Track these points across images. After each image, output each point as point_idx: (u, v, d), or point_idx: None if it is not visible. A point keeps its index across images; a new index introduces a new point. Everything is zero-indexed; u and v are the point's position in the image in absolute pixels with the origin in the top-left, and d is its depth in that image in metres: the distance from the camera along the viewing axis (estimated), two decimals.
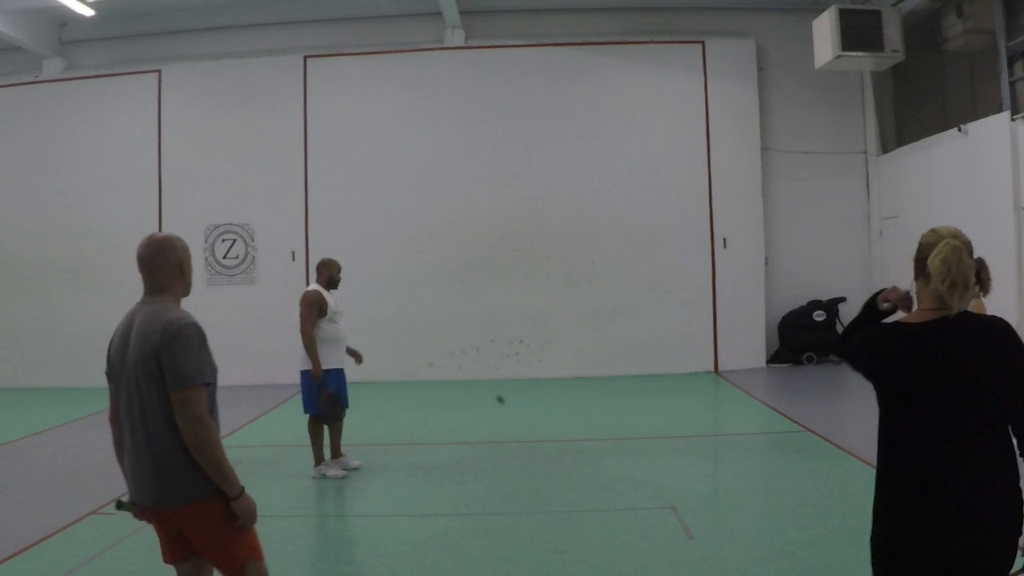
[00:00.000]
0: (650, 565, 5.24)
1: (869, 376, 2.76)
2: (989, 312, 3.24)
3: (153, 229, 15.51)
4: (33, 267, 13.89)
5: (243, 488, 3.11)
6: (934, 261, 2.63)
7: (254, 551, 3.23)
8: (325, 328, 7.31)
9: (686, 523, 5.94)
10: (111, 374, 3.24)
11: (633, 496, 6.68)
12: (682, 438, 8.94)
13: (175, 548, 3.22)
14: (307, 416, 7.44)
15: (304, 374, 7.34)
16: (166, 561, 3.29)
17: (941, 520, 2.50)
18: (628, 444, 8.66)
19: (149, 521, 3.23)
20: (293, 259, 13.58)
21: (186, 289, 3.33)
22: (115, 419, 3.24)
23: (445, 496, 6.97)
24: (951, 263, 2.63)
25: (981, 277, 6.17)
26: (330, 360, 7.32)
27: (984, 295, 5.33)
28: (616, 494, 6.76)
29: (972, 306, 6.75)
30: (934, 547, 2.50)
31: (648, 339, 13.34)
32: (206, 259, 13.71)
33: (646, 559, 5.33)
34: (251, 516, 3.14)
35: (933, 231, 2.75)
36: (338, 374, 7.48)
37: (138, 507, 3.18)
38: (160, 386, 3.01)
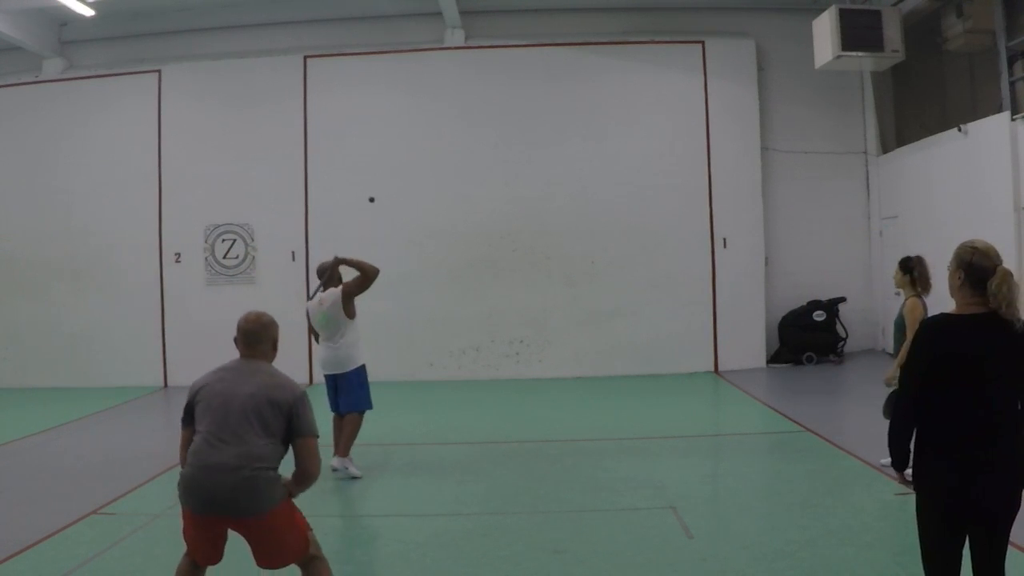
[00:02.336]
0: (650, 565, 5.24)
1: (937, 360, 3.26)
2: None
3: (153, 229, 15.61)
4: (33, 267, 13.88)
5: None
6: (1000, 287, 3.22)
7: (308, 527, 4.06)
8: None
9: (686, 523, 5.94)
10: (207, 404, 3.92)
11: (633, 496, 6.68)
12: (682, 438, 8.94)
13: (219, 551, 3.95)
14: (357, 413, 7.55)
15: (359, 371, 7.53)
16: (206, 563, 3.97)
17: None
18: (628, 444, 8.65)
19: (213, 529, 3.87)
20: (293, 259, 13.58)
21: (274, 357, 4.27)
22: (190, 441, 3.95)
23: (445, 496, 6.97)
24: (1011, 290, 3.23)
25: (917, 273, 6.29)
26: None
27: (925, 294, 5.48)
28: (616, 494, 6.76)
29: (908, 305, 6.79)
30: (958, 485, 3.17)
31: (648, 339, 13.34)
32: (206, 259, 13.71)
33: (646, 559, 5.33)
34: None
35: (982, 252, 3.32)
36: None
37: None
38: (276, 425, 3.88)
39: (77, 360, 13.71)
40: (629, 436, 9.05)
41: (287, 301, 13.46)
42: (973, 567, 3.30)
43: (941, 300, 3.77)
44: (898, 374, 6.42)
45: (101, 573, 5.29)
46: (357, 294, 7.54)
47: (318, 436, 4.02)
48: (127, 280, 13.76)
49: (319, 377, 13.76)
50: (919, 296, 6.77)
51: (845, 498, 6.49)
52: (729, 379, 12.60)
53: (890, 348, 13.53)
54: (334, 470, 7.37)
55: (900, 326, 6.79)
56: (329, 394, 7.72)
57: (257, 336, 4.16)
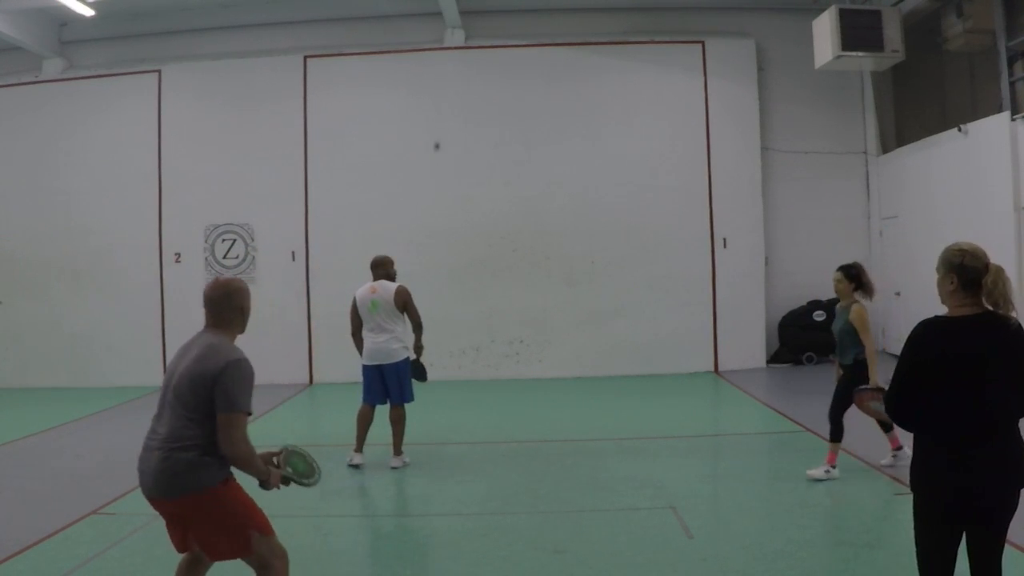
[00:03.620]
0: (650, 565, 5.24)
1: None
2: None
3: (153, 229, 15.60)
4: (33, 267, 13.89)
5: (268, 470, 3.86)
6: (993, 288, 3.27)
7: (263, 527, 3.77)
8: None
9: (686, 523, 5.94)
10: (162, 388, 3.82)
11: (633, 496, 6.68)
12: (682, 438, 8.93)
13: (178, 537, 3.78)
14: (397, 406, 7.73)
15: (406, 362, 7.73)
16: (178, 549, 3.85)
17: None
18: (628, 444, 8.65)
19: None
20: (293, 259, 13.59)
21: (243, 327, 3.94)
22: None
23: (445, 496, 6.97)
24: (1006, 293, 3.28)
25: (862, 280, 6.36)
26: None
27: (869, 299, 5.53)
28: (616, 494, 6.76)
29: (855, 312, 6.86)
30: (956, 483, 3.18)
31: (648, 339, 13.34)
32: (206, 259, 13.71)
33: (646, 559, 5.33)
34: (275, 483, 3.92)
35: (972, 255, 3.33)
36: None
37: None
38: (199, 401, 3.61)
39: (77, 360, 13.72)
40: (629, 436, 9.05)
41: (287, 301, 13.53)
42: (971, 567, 3.30)
43: (929, 302, 3.73)
44: (877, 377, 6.46)
45: (101, 573, 5.29)
46: (407, 307, 7.76)
47: (245, 413, 3.64)
48: (127, 280, 13.76)
49: (319, 377, 13.80)
50: (860, 301, 6.84)
51: (845, 498, 6.49)
52: (729, 379, 12.60)
53: (890, 348, 13.54)
54: (394, 467, 7.62)
55: (849, 333, 6.79)
56: (367, 386, 7.78)
57: (219, 303, 3.85)
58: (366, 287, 7.85)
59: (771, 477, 7.55)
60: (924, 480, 3.30)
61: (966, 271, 3.29)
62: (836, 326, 6.97)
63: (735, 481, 7.26)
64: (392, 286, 7.77)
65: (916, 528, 3.37)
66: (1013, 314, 3.25)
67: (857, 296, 6.88)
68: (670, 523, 5.98)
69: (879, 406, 4.10)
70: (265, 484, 3.86)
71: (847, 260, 13.78)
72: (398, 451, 7.79)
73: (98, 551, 5.63)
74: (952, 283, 3.31)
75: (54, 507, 6.68)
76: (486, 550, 5.56)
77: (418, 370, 8.00)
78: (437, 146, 11.25)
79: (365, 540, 6.16)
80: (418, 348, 7.93)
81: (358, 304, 7.80)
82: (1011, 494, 3.23)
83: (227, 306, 3.84)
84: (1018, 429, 3.25)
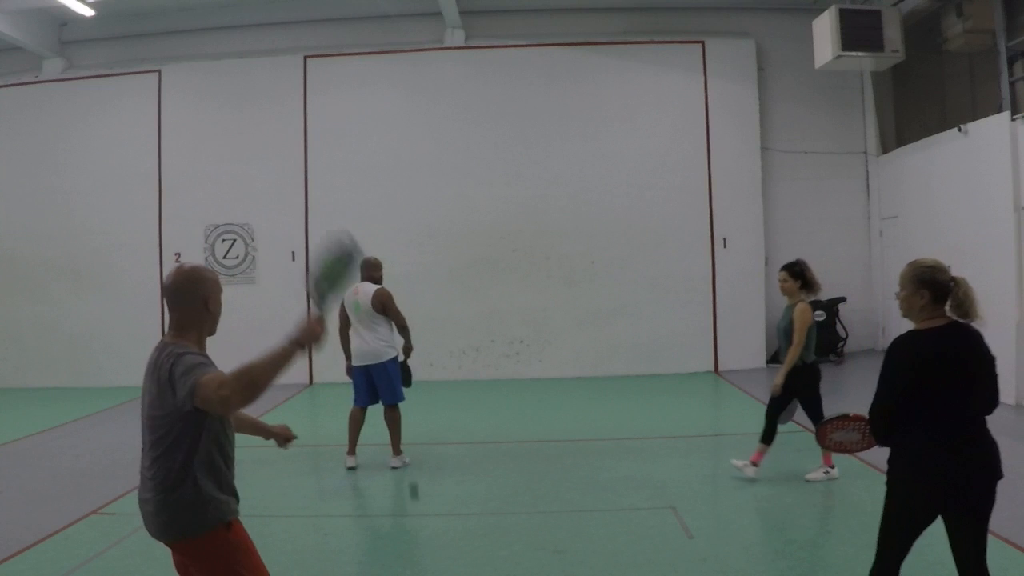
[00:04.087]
0: (650, 565, 5.24)
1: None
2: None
3: (153, 229, 15.64)
4: (33, 267, 13.89)
5: (294, 338, 2.95)
6: (964, 302, 3.54)
7: None
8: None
9: (686, 523, 5.94)
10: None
11: (633, 496, 6.69)
12: (682, 438, 8.93)
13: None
14: (390, 407, 7.74)
15: (394, 362, 7.74)
16: None
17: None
18: (628, 444, 8.65)
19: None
20: (293, 259, 13.58)
21: (211, 327, 3.23)
22: None
23: (445, 496, 6.97)
24: (974, 304, 3.55)
25: (807, 278, 6.45)
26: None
27: (815, 295, 5.52)
28: (616, 494, 6.76)
29: (798, 309, 6.93)
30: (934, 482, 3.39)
31: (648, 339, 13.34)
32: (206, 259, 13.71)
33: (646, 559, 5.33)
34: (318, 334, 3.02)
35: (939, 268, 3.62)
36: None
37: None
38: (173, 414, 2.99)
39: (77, 360, 13.72)
40: (629, 436, 9.05)
41: (287, 301, 13.49)
42: (958, 558, 3.53)
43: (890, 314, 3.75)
44: (783, 381, 6.46)
45: (101, 573, 5.29)
46: (386, 309, 7.75)
47: (201, 370, 2.95)
48: (127, 280, 13.76)
49: (319, 377, 13.80)
50: (806, 300, 6.84)
51: (845, 498, 6.49)
52: (729, 379, 12.60)
53: None
54: (394, 467, 7.64)
55: (787, 331, 6.80)
56: (357, 388, 7.81)
57: (178, 297, 3.17)
58: (350, 289, 7.85)
59: (771, 477, 7.54)
60: (913, 475, 3.45)
61: (937, 285, 3.54)
62: (781, 324, 6.96)
63: (735, 481, 7.25)
64: (372, 288, 7.76)
65: (890, 516, 3.53)
66: (977, 322, 3.51)
67: (803, 295, 6.89)
68: (670, 523, 5.98)
69: (844, 436, 4.16)
70: (303, 342, 2.98)
71: (847, 260, 14.01)
72: (397, 451, 7.81)
73: (98, 551, 5.63)
74: (923, 298, 3.54)
75: (54, 507, 6.68)
76: (486, 550, 5.56)
77: (404, 373, 8.00)
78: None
79: (365, 540, 6.16)
80: (406, 349, 7.94)
81: (345, 305, 7.84)
82: (993, 486, 3.46)
83: (187, 300, 3.15)
84: (987, 426, 3.51)
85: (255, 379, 2.82)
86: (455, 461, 8.03)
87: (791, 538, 5.55)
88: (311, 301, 3.20)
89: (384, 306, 7.71)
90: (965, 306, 3.51)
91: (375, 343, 7.70)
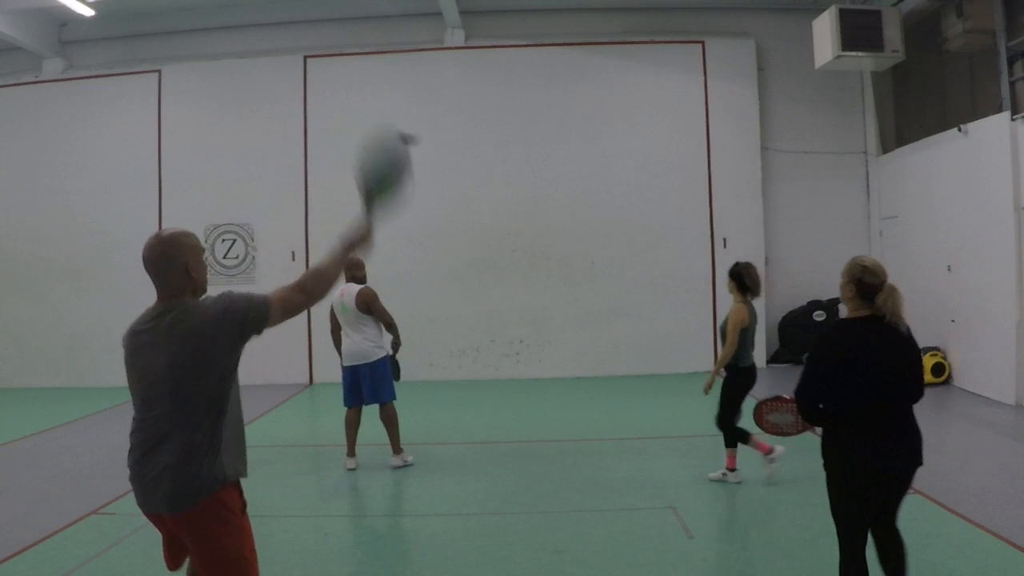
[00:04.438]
0: (650, 565, 5.24)
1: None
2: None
3: (153, 229, 15.58)
4: (33, 267, 13.89)
5: (348, 241, 3.35)
6: (885, 303, 3.81)
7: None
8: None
9: (686, 523, 5.94)
10: (128, 373, 3.25)
11: (633, 496, 6.69)
12: (682, 438, 8.93)
13: (176, 553, 3.27)
14: (383, 405, 7.74)
15: (383, 362, 7.71)
16: (169, 567, 3.34)
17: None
18: (628, 444, 8.65)
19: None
20: (293, 259, 13.58)
21: (196, 290, 3.21)
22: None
23: (445, 496, 6.97)
24: (897, 305, 3.82)
25: (746, 283, 6.55)
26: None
27: (754, 298, 6.33)
28: (616, 494, 6.76)
29: (732, 310, 7.02)
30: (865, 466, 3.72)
31: (648, 339, 13.34)
32: (206, 259, 13.68)
33: (646, 559, 5.33)
34: (367, 238, 3.38)
35: (870, 270, 3.88)
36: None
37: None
38: (200, 383, 3.01)
39: (77, 360, 13.71)
40: (629, 436, 9.05)
41: None
42: (878, 524, 3.89)
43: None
44: (711, 382, 6.44)
45: (101, 573, 5.29)
46: (371, 309, 7.74)
47: (281, 289, 3.16)
48: (127, 280, 13.68)
49: (319, 377, 13.81)
50: (746, 302, 6.86)
51: None
52: None
53: None
54: (394, 467, 7.66)
55: (722, 331, 6.87)
56: (345, 388, 7.82)
57: (156, 265, 3.14)
58: (336, 290, 7.86)
59: (771, 477, 7.55)
60: (845, 463, 3.78)
61: (864, 285, 3.87)
62: (720, 324, 7.03)
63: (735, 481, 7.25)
64: (355, 288, 7.78)
65: (835, 499, 3.84)
66: (902, 323, 3.80)
67: (743, 297, 6.91)
68: (670, 523, 5.99)
69: (779, 418, 4.35)
70: (355, 244, 3.34)
71: (847, 260, 13.96)
72: (397, 450, 7.81)
73: (98, 551, 5.63)
74: (851, 291, 3.91)
75: (54, 507, 6.68)
76: (486, 550, 5.56)
77: (393, 367, 8.00)
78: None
79: (365, 540, 6.16)
80: (395, 344, 7.93)
81: (333, 306, 7.89)
82: (913, 472, 3.84)
83: (168, 267, 3.10)
84: (913, 414, 3.83)
85: (326, 273, 3.18)
86: (455, 461, 8.03)
87: (791, 538, 5.55)
88: (361, 204, 3.35)
89: (368, 306, 7.69)
90: (885, 310, 3.81)
91: (363, 344, 7.69)
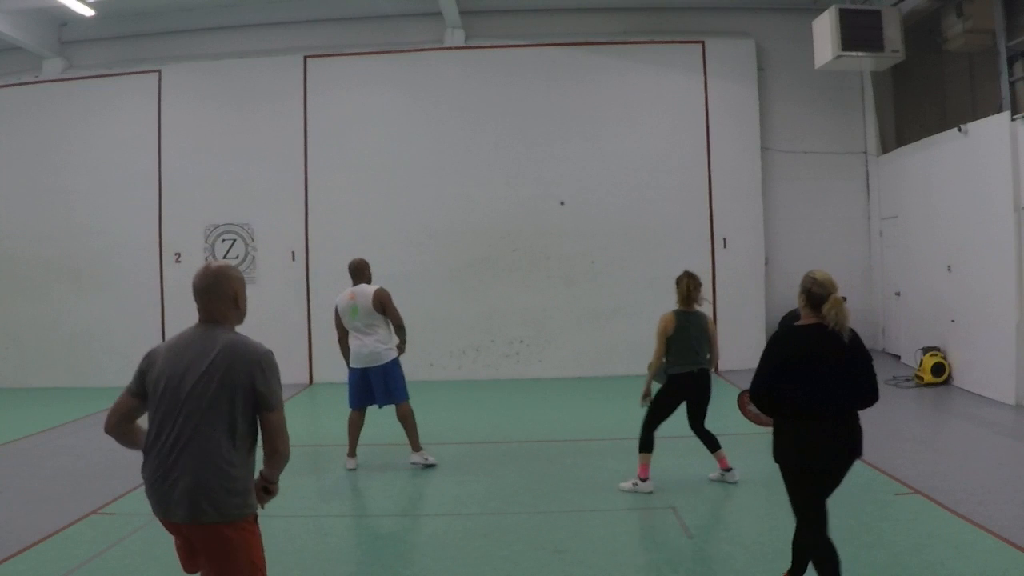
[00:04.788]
0: (650, 565, 5.24)
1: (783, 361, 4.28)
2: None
3: (153, 229, 15.61)
4: (33, 267, 13.89)
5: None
6: (829, 313, 4.30)
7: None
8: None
9: (686, 523, 5.94)
10: (155, 387, 3.29)
11: (633, 496, 6.69)
12: (682, 438, 8.90)
13: (193, 557, 3.38)
14: (400, 404, 7.75)
15: (395, 363, 7.72)
16: (187, 570, 3.46)
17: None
18: (628, 444, 8.60)
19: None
20: (293, 259, 13.58)
21: (240, 319, 3.48)
22: (123, 423, 3.37)
23: (445, 496, 6.97)
24: (841, 315, 4.32)
25: (678, 290, 6.59)
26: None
27: (687, 307, 6.70)
28: (616, 494, 6.76)
29: (659, 319, 7.03)
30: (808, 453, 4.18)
31: (648, 339, 13.13)
32: (206, 259, 13.70)
33: (646, 559, 5.34)
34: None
35: (819, 282, 4.40)
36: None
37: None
38: (244, 404, 3.24)
39: (77, 360, 13.72)
40: (629, 436, 8.99)
41: (287, 301, 13.53)
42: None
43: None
44: (648, 389, 6.78)
45: (101, 573, 5.30)
46: (385, 309, 7.73)
47: (282, 407, 3.37)
48: (127, 280, 13.76)
49: (319, 377, 13.80)
50: (677, 311, 6.90)
51: (845, 498, 6.48)
52: (729, 379, 12.59)
53: (890, 348, 13.55)
54: (413, 464, 7.68)
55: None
56: (352, 390, 7.79)
57: (208, 293, 3.38)
58: (345, 293, 7.85)
59: (771, 477, 7.52)
60: (795, 454, 4.20)
61: (812, 296, 4.37)
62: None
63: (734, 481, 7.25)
64: (371, 289, 7.76)
65: (790, 489, 4.28)
66: (845, 332, 4.27)
67: (682, 306, 6.96)
68: (670, 523, 5.99)
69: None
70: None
71: (847, 260, 14.01)
72: (416, 447, 7.81)
73: (98, 551, 5.63)
74: (803, 301, 4.41)
75: (54, 507, 6.68)
76: (486, 550, 5.56)
77: None
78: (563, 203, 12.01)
79: (365, 540, 6.16)
80: (399, 347, 7.90)
81: (339, 312, 7.82)
82: (851, 462, 4.24)
83: (217, 295, 3.37)
84: (857, 413, 4.26)
85: (286, 461, 3.39)
86: (455, 461, 8.02)
87: (791, 538, 5.54)
88: None
89: (384, 305, 7.69)
90: (828, 320, 4.28)
91: (375, 346, 7.68)
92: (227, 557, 3.21)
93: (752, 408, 5.59)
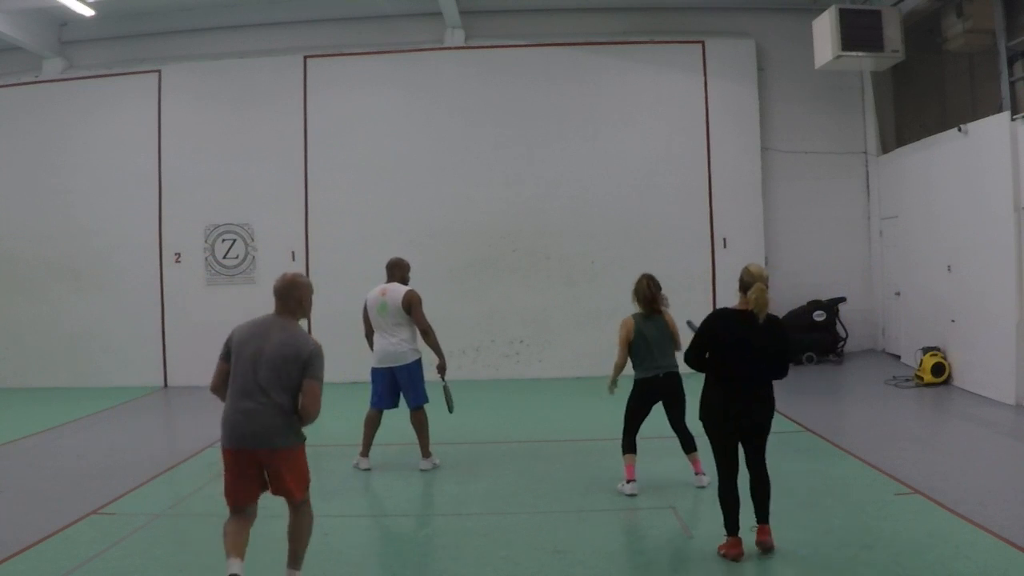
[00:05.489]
0: (650, 565, 5.24)
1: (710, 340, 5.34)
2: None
3: (153, 229, 15.61)
4: (33, 267, 13.89)
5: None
6: (751, 297, 5.23)
7: (309, 480, 4.89)
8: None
9: (686, 523, 5.94)
10: (238, 352, 4.66)
11: (633, 496, 6.68)
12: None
13: (251, 488, 4.68)
14: (415, 409, 7.76)
15: (417, 364, 7.70)
16: (236, 502, 4.68)
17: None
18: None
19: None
20: (293, 259, 13.58)
21: (303, 315, 4.92)
22: (223, 385, 4.71)
23: (445, 496, 6.97)
24: (760, 299, 5.23)
25: (652, 298, 7.33)
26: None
27: (667, 307, 7.22)
28: (616, 494, 6.76)
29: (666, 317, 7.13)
30: (720, 412, 5.28)
31: None
32: (206, 259, 13.71)
33: (646, 559, 5.34)
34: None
35: (749, 273, 5.38)
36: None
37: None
38: (298, 374, 4.59)
39: (77, 360, 13.71)
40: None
41: None
42: (749, 462, 5.37)
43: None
44: (612, 386, 7.25)
45: (101, 573, 5.30)
46: (412, 311, 7.72)
47: (321, 383, 4.66)
48: (127, 280, 13.76)
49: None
50: (635, 315, 6.89)
51: (845, 498, 6.50)
52: None
53: (890, 348, 13.56)
54: (423, 470, 7.63)
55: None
56: (377, 390, 7.74)
57: (281, 294, 4.83)
58: (377, 289, 7.85)
59: (771, 477, 7.54)
60: (720, 409, 5.24)
61: (743, 283, 5.33)
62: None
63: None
64: (402, 289, 7.77)
65: (713, 441, 5.33)
66: (763, 315, 5.19)
67: (642, 309, 6.95)
68: (670, 523, 5.99)
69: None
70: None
71: (847, 260, 14.01)
72: (426, 453, 7.79)
73: (98, 551, 5.63)
74: (740, 289, 5.33)
75: (54, 507, 6.68)
76: (486, 550, 5.56)
77: (446, 395, 7.89)
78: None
79: (365, 540, 6.16)
80: (441, 368, 7.83)
81: (368, 307, 7.78)
82: (769, 418, 5.31)
83: (289, 297, 4.81)
84: (771, 384, 5.28)
85: (315, 417, 4.67)
86: (455, 461, 8.03)
87: (791, 538, 5.55)
88: None
89: (411, 307, 7.67)
90: (750, 304, 5.20)
91: (400, 345, 7.66)
92: (292, 469, 4.69)
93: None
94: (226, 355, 4.71)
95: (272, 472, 4.65)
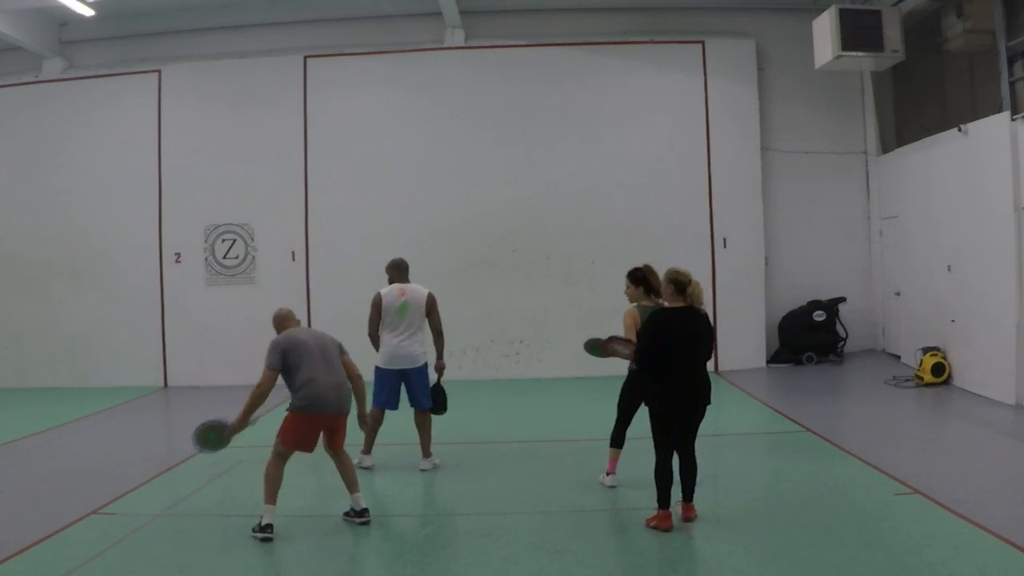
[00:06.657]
0: (650, 565, 5.24)
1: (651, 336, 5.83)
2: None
3: (153, 229, 15.59)
4: (33, 267, 13.89)
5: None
6: (693, 293, 5.87)
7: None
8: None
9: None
10: (305, 351, 6.15)
11: (633, 496, 6.68)
12: None
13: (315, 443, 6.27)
14: (422, 410, 7.77)
15: (426, 367, 7.73)
16: (310, 450, 6.31)
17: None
18: (628, 444, 8.58)
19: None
20: (293, 259, 13.58)
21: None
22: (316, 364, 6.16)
23: (445, 496, 6.97)
24: (700, 295, 5.93)
25: (650, 282, 7.57)
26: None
27: (659, 299, 6.87)
28: (616, 494, 6.76)
29: (624, 314, 7.28)
30: (675, 401, 5.82)
31: None
32: (206, 259, 13.71)
33: (646, 559, 5.33)
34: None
35: (680, 273, 5.95)
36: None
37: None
38: (339, 354, 6.27)
39: (77, 360, 13.72)
40: (629, 436, 8.98)
41: (287, 301, 13.40)
42: (680, 443, 5.88)
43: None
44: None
45: (101, 573, 5.30)
46: (431, 313, 7.80)
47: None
48: (127, 280, 13.76)
49: None
50: (641, 304, 6.84)
51: (845, 498, 6.49)
52: (729, 379, 12.59)
53: (890, 348, 13.56)
54: (423, 470, 7.63)
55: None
56: (385, 390, 7.68)
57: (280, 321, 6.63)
58: (394, 288, 7.81)
59: (771, 477, 7.55)
60: (663, 398, 5.78)
61: (678, 284, 5.84)
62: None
63: (735, 481, 7.26)
64: (423, 290, 7.81)
65: (654, 425, 5.87)
66: (703, 308, 5.91)
67: (648, 300, 6.91)
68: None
69: (622, 349, 6.66)
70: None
71: (847, 260, 14.02)
72: (427, 453, 7.79)
73: (98, 551, 5.63)
74: (671, 289, 5.86)
75: (54, 507, 6.68)
76: (486, 550, 5.56)
77: (438, 398, 7.89)
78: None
79: (365, 540, 6.16)
80: (439, 367, 7.86)
81: (385, 305, 7.68)
82: (704, 409, 5.90)
83: (276, 323, 6.66)
84: (706, 370, 5.94)
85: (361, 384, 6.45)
86: (455, 461, 8.02)
87: (791, 538, 5.55)
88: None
89: (431, 309, 7.73)
90: (692, 299, 5.81)
91: (416, 347, 7.67)
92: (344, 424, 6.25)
93: (616, 347, 6.79)
94: (278, 364, 6.25)
95: (338, 431, 6.28)
